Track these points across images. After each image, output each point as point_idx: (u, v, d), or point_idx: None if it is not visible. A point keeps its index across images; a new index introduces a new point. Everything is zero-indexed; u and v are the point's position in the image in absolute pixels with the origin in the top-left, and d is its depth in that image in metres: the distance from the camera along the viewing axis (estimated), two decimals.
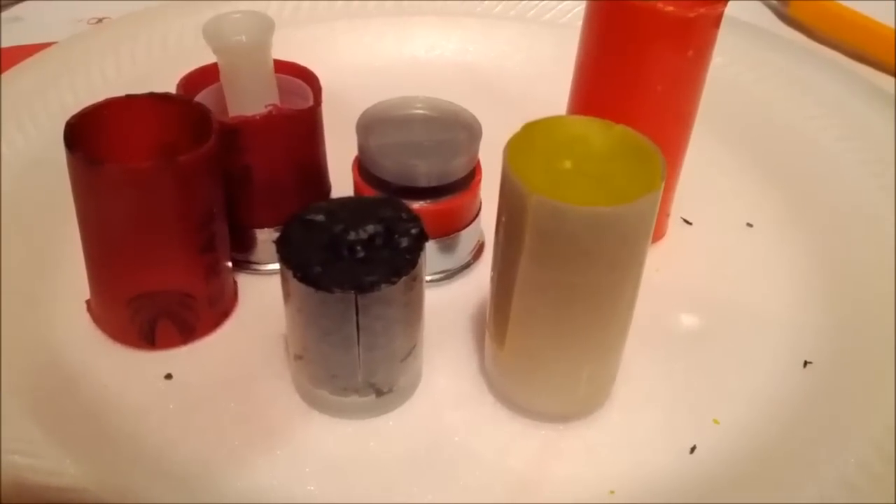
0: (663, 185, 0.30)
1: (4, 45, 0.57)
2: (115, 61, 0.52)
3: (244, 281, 0.41)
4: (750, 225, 0.46)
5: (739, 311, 0.41)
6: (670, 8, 0.36)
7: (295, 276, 0.32)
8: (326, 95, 0.40)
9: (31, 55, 0.51)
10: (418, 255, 0.33)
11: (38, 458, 0.32)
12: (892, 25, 0.59)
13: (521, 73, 0.55)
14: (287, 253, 0.32)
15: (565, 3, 0.57)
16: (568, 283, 0.31)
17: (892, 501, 0.31)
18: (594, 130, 0.32)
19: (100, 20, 0.61)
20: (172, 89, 0.39)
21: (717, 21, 0.37)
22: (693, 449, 0.35)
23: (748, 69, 0.53)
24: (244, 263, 0.41)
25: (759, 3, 0.67)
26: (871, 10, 0.61)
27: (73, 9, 0.62)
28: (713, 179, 0.48)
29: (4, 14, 0.60)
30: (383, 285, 0.31)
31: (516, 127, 0.32)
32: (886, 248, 0.42)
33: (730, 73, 0.52)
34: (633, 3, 0.36)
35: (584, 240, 0.30)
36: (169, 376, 0.37)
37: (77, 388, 0.36)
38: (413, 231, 0.33)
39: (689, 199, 0.45)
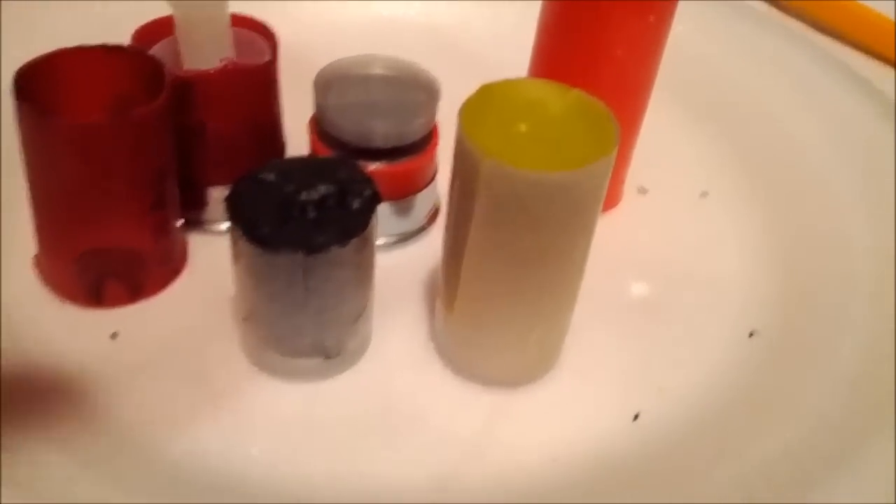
0: (616, 150, 0.30)
1: None
2: (70, 10, 0.50)
3: (195, 240, 0.40)
4: (705, 194, 0.46)
5: (690, 281, 0.41)
6: None
7: (243, 235, 0.31)
8: (286, 51, 0.40)
9: None
10: (370, 218, 0.32)
11: None
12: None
13: (485, 34, 0.55)
14: (236, 212, 0.32)
15: None
16: (518, 246, 0.31)
17: (831, 469, 0.32)
18: (551, 94, 0.32)
19: None
20: (128, 40, 0.38)
21: None
22: (636, 416, 0.35)
23: (710, 38, 0.53)
24: (196, 222, 0.41)
25: None
26: None
27: None
28: (670, 148, 0.48)
29: None
30: (333, 247, 0.31)
31: (478, 86, 0.32)
32: (838, 221, 0.43)
33: (691, 41, 0.52)
34: None
35: (536, 204, 0.30)
36: (115, 335, 0.36)
37: (21, 345, 0.35)
38: (366, 193, 0.33)
39: (645, 167, 0.45)
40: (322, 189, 0.33)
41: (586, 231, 0.32)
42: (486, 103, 0.31)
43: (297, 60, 0.42)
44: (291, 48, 0.42)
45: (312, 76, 0.39)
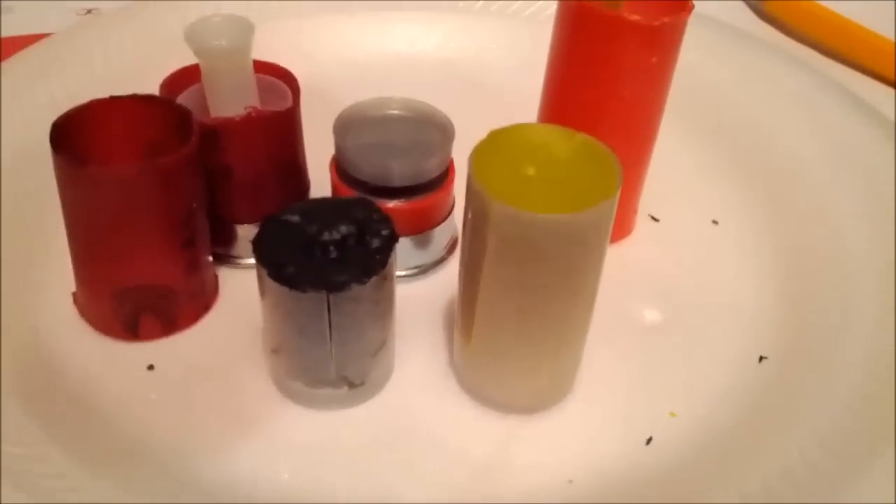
0: (619, 192, 0.31)
1: None
2: (104, 55, 0.53)
3: (225, 274, 0.42)
4: (715, 222, 0.47)
5: (700, 307, 0.43)
6: (635, 17, 0.37)
7: (270, 275, 0.33)
8: (310, 89, 0.42)
9: (22, 47, 0.52)
10: (388, 256, 0.34)
11: (24, 445, 0.34)
12: (864, 24, 0.60)
13: (500, 68, 0.57)
14: (263, 253, 0.34)
15: (544, 0, 0.58)
16: (529, 282, 0.33)
17: (830, 490, 0.33)
18: (557, 138, 0.34)
19: (89, 11, 0.62)
20: (160, 82, 0.40)
21: (680, 29, 0.39)
22: (649, 440, 0.37)
23: (720, 67, 0.54)
24: (225, 257, 0.43)
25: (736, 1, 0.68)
26: (844, 7, 0.62)
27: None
28: (681, 177, 0.50)
29: None
30: (354, 285, 0.33)
31: (494, 121, 0.34)
32: (846, 248, 0.44)
33: (702, 71, 0.53)
34: (600, 11, 0.38)
35: (544, 244, 0.31)
36: (151, 367, 0.38)
37: (63, 378, 0.38)
38: (384, 232, 0.35)
39: (657, 196, 0.46)
40: (343, 229, 0.35)
41: (594, 267, 0.34)
42: (495, 148, 0.33)
43: (322, 98, 0.44)
44: (317, 86, 0.44)
45: (336, 113, 0.41)
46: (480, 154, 0.33)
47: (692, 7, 0.38)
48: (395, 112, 0.42)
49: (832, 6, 0.62)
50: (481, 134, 0.33)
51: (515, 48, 0.57)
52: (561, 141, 0.33)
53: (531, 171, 0.33)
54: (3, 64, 0.50)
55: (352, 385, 0.37)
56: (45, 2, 0.63)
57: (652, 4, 0.39)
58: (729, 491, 0.34)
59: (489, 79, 0.56)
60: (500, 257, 0.32)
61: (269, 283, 0.33)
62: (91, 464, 0.34)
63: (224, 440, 0.36)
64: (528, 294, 0.33)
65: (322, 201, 0.36)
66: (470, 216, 0.33)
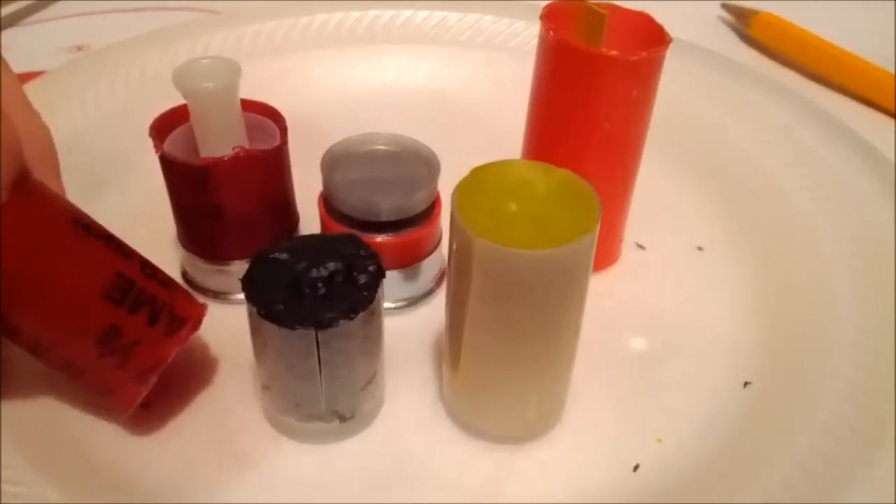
0: (598, 226, 0.32)
1: None
2: (94, 93, 0.54)
3: (218, 310, 0.43)
4: (700, 249, 0.48)
5: (687, 334, 0.43)
6: (614, 53, 0.38)
7: (259, 313, 0.34)
8: (298, 124, 0.42)
9: None
10: (375, 292, 0.35)
11: (20, 485, 0.34)
12: (844, 47, 0.62)
13: (487, 99, 0.58)
14: (252, 291, 0.34)
15: (528, 31, 0.59)
16: (514, 317, 0.33)
17: None
18: (537, 174, 0.34)
19: (80, 48, 0.63)
20: (150, 121, 0.41)
21: (659, 62, 0.39)
22: (636, 467, 0.37)
23: (702, 95, 0.55)
24: (218, 294, 0.44)
25: (719, 22, 0.70)
26: (823, 27, 0.63)
27: (55, 37, 0.64)
28: (666, 204, 0.51)
29: None
30: (342, 321, 0.34)
31: (481, 152, 0.34)
32: (829, 274, 0.44)
33: (685, 100, 0.54)
34: (580, 48, 0.38)
35: (527, 279, 0.32)
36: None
37: (58, 418, 0.38)
38: (371, 268, 0.35)
39: (642, 224, 0.47)
40: (330, 266, 0.35)
41: (577, 299, 0.34)
42: (477, 184, 0.33)
43: (312, 132, 0.45)
44: (307, 120, 0.44)
45: (324, 147, 0.42)
46: (463, 191, 0.33)
47: (670, 41, 0.39)
48: (382, 147, 0.43)
49: (813, 29, 0.63)
50: (468, 165, 0.34)
51: (501, 79, 0.58)
52: (541, 176, 0.34)
53: (513, 206, 0.33)
54: None
55: (343, 419, 0.37)
56: (35, 39, 0.64)
57: (631, 38, 0.40)
58: None
59: (476, 110, 0.57)
60: (484, 292, 0.33)
61: (259, 321, 0.34)
62: (87, 501, 0.34)
63: (218, 476, 0.36)
64: (514, 327, 0.34)
65: (309, 238, 0.37)
66: (454, 252, 0.34)
